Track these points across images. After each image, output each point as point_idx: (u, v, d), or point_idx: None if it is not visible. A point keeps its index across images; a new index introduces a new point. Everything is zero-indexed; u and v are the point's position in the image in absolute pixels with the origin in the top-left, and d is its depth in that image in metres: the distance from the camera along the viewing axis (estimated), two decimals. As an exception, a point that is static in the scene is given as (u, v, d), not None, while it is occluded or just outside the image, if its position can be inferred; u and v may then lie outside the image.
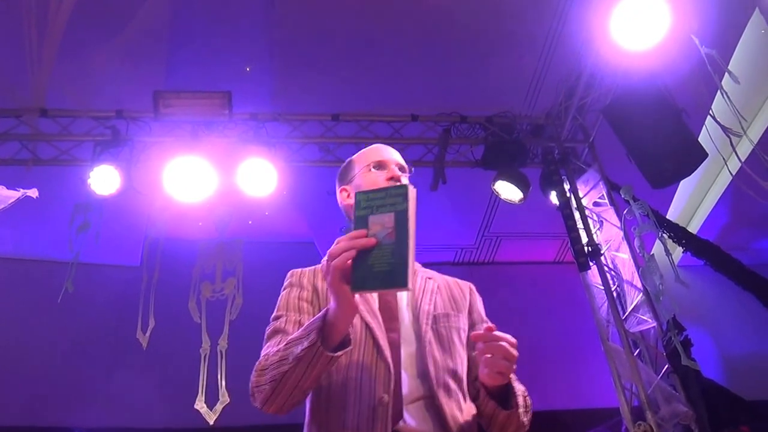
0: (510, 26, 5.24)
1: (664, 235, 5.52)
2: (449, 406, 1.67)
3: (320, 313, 1.55)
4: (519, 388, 1.73)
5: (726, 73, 4.60)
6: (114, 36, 5.10)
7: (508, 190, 5.33)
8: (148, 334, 5.09)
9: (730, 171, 4.91)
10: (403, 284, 1.40)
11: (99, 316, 6.14)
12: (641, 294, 5.14)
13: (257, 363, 1.68)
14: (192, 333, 5.19)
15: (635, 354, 5.14)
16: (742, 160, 4.81)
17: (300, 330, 1.59)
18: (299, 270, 1.94)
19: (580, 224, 5.37)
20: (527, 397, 1.75)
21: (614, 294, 5.37)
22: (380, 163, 1.95)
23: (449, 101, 5.37)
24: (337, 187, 2.05)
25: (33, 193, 4.15)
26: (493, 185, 5.30)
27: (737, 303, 6.05)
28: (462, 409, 1.71)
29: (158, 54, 5.25)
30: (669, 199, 6.50)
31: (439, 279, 1.97)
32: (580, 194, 5.51)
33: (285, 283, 1.93)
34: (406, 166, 1.99)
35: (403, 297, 1.84)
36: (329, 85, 5.33)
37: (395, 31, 5.12)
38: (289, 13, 5.07)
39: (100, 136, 5.16)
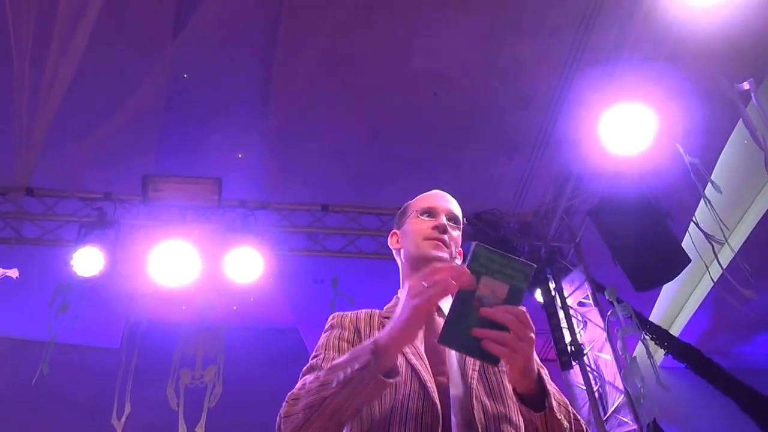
0: (501, 127, 5.37)
1: (647, 337, 5.53)
2: None
3: (370, 339, 1.45)
4: (553, 388, 1.60)
5: (709, 182, 4.74)
6: (107, 118, 5.13)
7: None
8: (123, 419, 4.94)
9: (711, 278, 4.97)
10: (494, 362, 1.35)
11: (74, 399, 5.93)
12: (622, 395, 5.11)
13: (290, 394, 1.55)
14: (168, 420, 5.03)
15: (616, 458, 5.07)
16: (724, 267, 4.89)
17: (345, 356, 1.49)
18: (341, 313, 1.85)
19: (564, 323, 5.38)
20: (568, 405, 1.63)
21: (596, 395, 5.33)
22: (430, 210, 1.91)
23: (438, 196, 5.41)
24: (389, 235, 2.02)
25: (13, 273, 4.09)
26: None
27: (717, 407, 6.02)
28: None
29: (150, 138, 5.28)
30: (652, 302, 6.54)
31: None
32: (565, 293, 5.54)
33: (326, 326, 1.83)
34: (460, 217, 1.92)
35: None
36: (319, 176, 5.39)
37: (386, 128, 5.22)
38: (282, 106, 5.15)
39: (86, 217, 5.13)
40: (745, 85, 4.41)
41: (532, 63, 5.29)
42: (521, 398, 1.53)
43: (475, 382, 1.62)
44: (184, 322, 5.45)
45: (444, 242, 1.82)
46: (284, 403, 1.53)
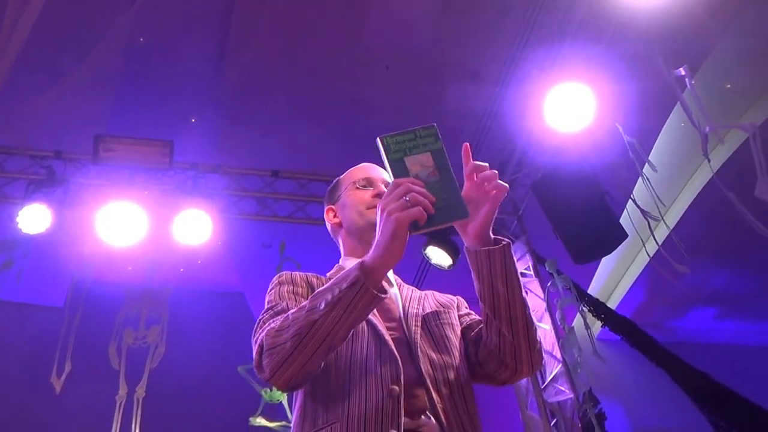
0: (448, 103, 5.48)
1: (585, 309, 5.73)
2: (446, 405, 1.57)
3: (354, 264, 1.44)
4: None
5: (647, 162, 4.93)
6: (61, 77, 5.10)
7: (438, 256, 5.49)
8: (63, 378, 4.95)
9: (648, 253, 5.17)
10: (464, 215, 1.37)
11: (14, 357, 5.92)
12: (560, 365, 5.30)
13: (268, 330, 1.51)
14: (109, 380, 5.07)
15: (552, 424, 5.27)
16: (660, 243, 5.10)
17: (328, 283, 1.48)
18: (288, 271, 1.81)
19: (505, 293, 5.54)
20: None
21: (535, 364, 5.50)
22: (367, 180, 1.92)
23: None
24: (324, 208, 2.01)
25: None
26: (424, 250, 5.45)
27: (650, 379, 6.26)
28: (461, 406, 1.61)
29: (103, 100, 5.28)
30: (591, 275, 6.77)
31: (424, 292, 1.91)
32: (507, 264, 5.69)
33: (273, 283, 1.76)
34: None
35: (398, 301, 1.78)
36: (270, 143, 5.44)
37: (337, 98, 5.30)
38: (236, 68, 5.19)
39: (35, 175, 5.10)
40: (681, 71, 4.60)
41: (482, 41, 5.42)
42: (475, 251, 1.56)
43: (418, 337, 1.67)
44: (130, 282, 5.48)
45: None
46: (262, 340, 1.50)
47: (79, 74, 5.12)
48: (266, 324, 1.56)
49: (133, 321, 5.19)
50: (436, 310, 1.79)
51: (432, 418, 1.54)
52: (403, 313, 1.73)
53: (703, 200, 5.79)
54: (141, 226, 5.01)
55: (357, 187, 1.91)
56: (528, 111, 5.18)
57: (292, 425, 1.64)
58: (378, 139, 1.43)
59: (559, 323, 5.41)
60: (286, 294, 1.70)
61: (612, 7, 4.92)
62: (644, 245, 5.24)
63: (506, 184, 1.51)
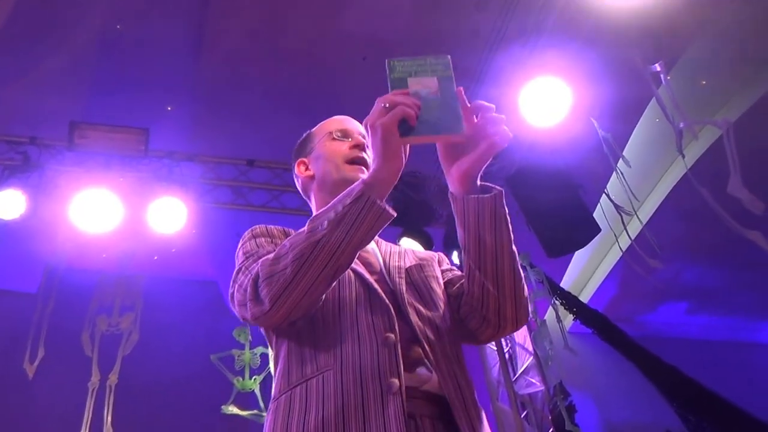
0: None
1: (557, 302, 5.79)
2: (439, 358, 1.48)
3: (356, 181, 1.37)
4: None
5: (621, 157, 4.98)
6: (36, 63, 5.07)
7: (412, 247, 5.52)
8: (36, 363, 4.94)
9: (620, 247, 5.23)
10: (459, 129, 1.32)
11: (-13, 342, 5.90)
12: (531, 357, 5.37)
13: (263, 261, 1.42)
14: (82, 366, 5.06)
15: (522, 416, 5.33)
16: (632, 238, 5.16)
17: (329, 205, 1.39)
18: (262, 225, 1.70)
19: (478, 286, 5.59)
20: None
21: (506, 355, 5.58)
22: (344, 131, 1.80)
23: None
24: (293, 163, 1.89)
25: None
26: (398, 241, 5.48)
27: (621, 372, 6.33)
28: (450, 358, 1.53)
29: (80, 86, 5.24)
30: (564, 269, 6.83)
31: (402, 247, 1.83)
32: (482, 257, 5.74)
33: (244, 238, 1.66)
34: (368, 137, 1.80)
35: (378, 255, 1.69)
36: (247, 132, 5.44)
37: (313, 89, 5.30)
38: (213, 57, 5.18)
39: (10, 160, 5.08)
40: (657, 67, 4.64)
41: (458, 34, 5.44)
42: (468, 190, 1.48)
43: (404, 288, 1.59)
44: (104, 269, 5.47)
45: (366, 164, 1.74)
46: (257, 272, 1.41)
47: (55, 60, 5.08)
48: (252, 266, 1.47)
49: (107, 308, 5.18)
50: (418, 263, 1.70)
51: (430, 371, 1.46)
52: (385, 266, 1.65)
53: (676, 196, 5.85)
54: (116, 213, 5.01)
55: (333, 138, 1.79)
56: (503, 105, 5.21)
57: (274, 380, 1.52)
58: (386, 61, 1.40)
59: (531, 316, 5.48)
60: (265, 243, 1.59)
61: (590, 2, 4.96)
62: (617, 240, 5.30)
63: (510, 134, 1.43)
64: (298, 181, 1.87)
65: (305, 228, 1.39)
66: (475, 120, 1.43)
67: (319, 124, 1.89)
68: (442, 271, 1.75)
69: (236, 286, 1.50)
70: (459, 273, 1.71)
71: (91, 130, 5.06)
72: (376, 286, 1.54)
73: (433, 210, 5.69)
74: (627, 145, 5.70)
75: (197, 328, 5.61)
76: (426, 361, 1.47)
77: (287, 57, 5.21)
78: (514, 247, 1.52)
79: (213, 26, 5.05)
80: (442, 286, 1.69)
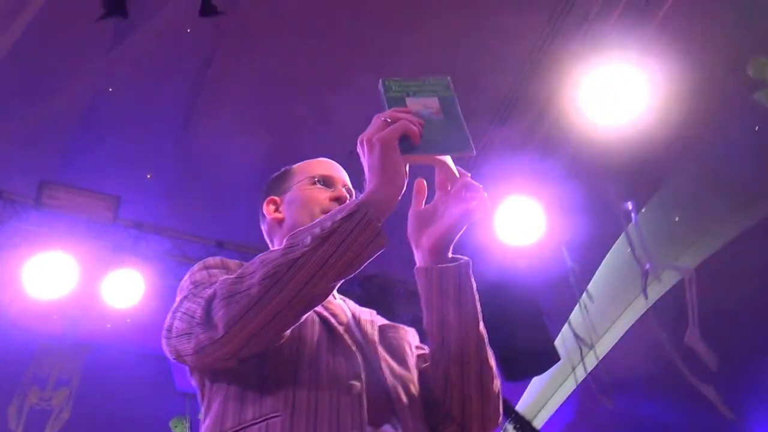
0: (405, 194, 5.51)
1: (510, 425, 5.67)
2: (408, 421, 1.28)
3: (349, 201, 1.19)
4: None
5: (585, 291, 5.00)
6: (17, 114, 5.02)
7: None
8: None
9: (576, 379, 5.19)
10: (468, 148, 1.19)
11: None
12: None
13: (223, 282, 1.17)
14: (4, 440, 4.75)
15: None
16: (589, 370, 5.13)
17: (314, 221, 1.18)
18: (219, 257, 1.45)
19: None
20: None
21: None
22: (328, 178, 1.60)
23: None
24: (262, 199, 1.68)
25: None
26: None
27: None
28: (420, 421, 1.33)
29: (58, 142, 5.18)
30: (521, 391, 6.72)
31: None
32: (440, 369, 5.65)
33: (194, 270, 1.39)
34: (354, 191, 1.64)
35: (345, 309, 1.47)
36: (221, 212, 5.38)
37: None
38: (199, 136, 5.18)
39: (-29, 212, 4.95)
40: (629, 205, 4.73)
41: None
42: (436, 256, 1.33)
43: (376, 339, 1.41)
44: (48, 334, 5.25)
45: None
46: (214, 291, 1.16)
47: (36, 115, 5.04)
48: (203, 291, 1.21)
49: (42, 380, 4.93)
50: (392, 325, 1.52)
51: (396, 430, 1.24)
52: (354, 319, 1.45)
53: (636, 332, 5.85)
54: (70, 278, 4.85)
55: (314, 183, 1.59)
56: (479, 220, 5.22)
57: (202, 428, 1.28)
58: (380, 81, 1.28)
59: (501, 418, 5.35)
60: (219, 275, 1.30)
61: (574, 129, 5.08)
62: (573, 371, 5.26)
63: (489, 204, 1.31)
64: (263, 220, 1.67)
65: (284, 242, 1.16)
66: (449, 189, 1.33)
67: (302, 162, 1.68)
68: (414, 347, 1.54)
69: (178, 314, 1.24)
70: (425, 352, 1.50)
71: (62, 191, 4.97)
72: (342, 331, 1.34)
73: (396, 314, 5.61)
74: (595, 273, 5.73)
75: (139, 404, 5.36)
76: (394, 418, 1.26)
77: (273, 143, 5.22)
78: (482, 328, 1.36)
79: (202, 106, 5.07)
80: (414, 358, 1.48)
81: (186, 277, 1.39)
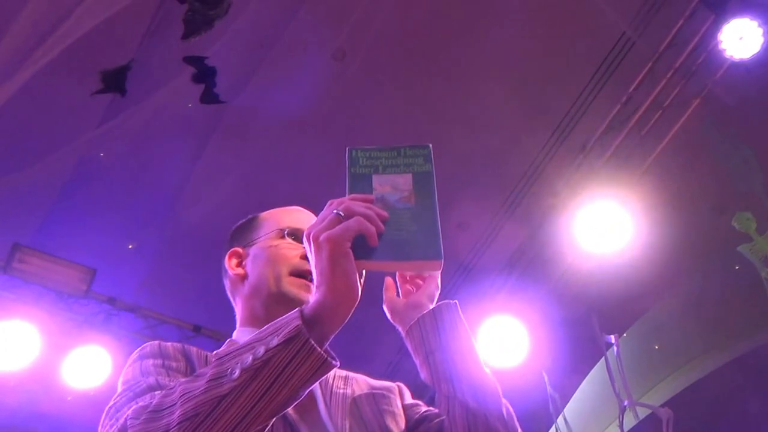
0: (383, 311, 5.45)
1: None
2: None
3: (293, 311, 0.96)
4: None
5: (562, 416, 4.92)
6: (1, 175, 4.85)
7: None
8: None
9: None
10: (436, 255, 0.99)
11: None
12: None
13: (136, 410, 0.93)
14: None
15: None
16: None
17: (246, 340, 0.96)
18: (155, 342, 1.24)
19: None
20: None
21: None
22: (298, 232, 1.37)
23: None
24: (225, 250, 1.47)
25: None
26: None
27: None
28: None
29: (38, 206, 5.00)
30: None
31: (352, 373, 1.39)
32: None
33: (130, 360, 1.19)
34: None
35: (317, 385, 1.21)
36: (199, 297, 5.22)
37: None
38: (186, 217, 5.06)
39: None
40: (612, 339, 4.72)
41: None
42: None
43: (347, 425, 1.22)
44: (1, 408, 4.93)
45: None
46: (123, 426, 0.93)
47: (20, 177, 4.88)
48: (123, 407, 1.00)
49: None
50: (371, 393, 1.31)
51: None
52: (322, 394, 1.25)
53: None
54: (31, 351, 4.59)
55: (283, 236, 1.40)
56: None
57: None
58: (347, 150, 1.11)
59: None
60: (152, 369, 1.12)
61: (563, 254, 5.13)
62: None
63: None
64: (225, 275, 1.46)
65: (207, 370, 0.93)
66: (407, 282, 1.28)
67: (271, 210, 1.50)
68: (407, 407, 1.34)
69: (105, 424, 1.04)
70: (433, 410, 1.30)
71: (35, 257, 4.79)
72: (299, 425, 1.14)
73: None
74: (573, 396, 5.67)
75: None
76: None
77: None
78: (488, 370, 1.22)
79: (192, 185, 4.98)
80: (402, 426, 1.28)
81: (124, 369, 1.19)
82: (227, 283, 1.46)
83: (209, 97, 4.47)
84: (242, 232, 1.48)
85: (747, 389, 5.82)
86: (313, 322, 0.95)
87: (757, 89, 4.79)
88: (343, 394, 1.27)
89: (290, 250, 1.37)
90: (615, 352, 4.75)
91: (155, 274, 5.26)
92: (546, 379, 4.81)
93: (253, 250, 1.41)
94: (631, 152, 4.96)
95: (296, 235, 1.38)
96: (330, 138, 5.14)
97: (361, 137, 5.19)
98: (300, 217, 1.47)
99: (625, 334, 5.47)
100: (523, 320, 5.05)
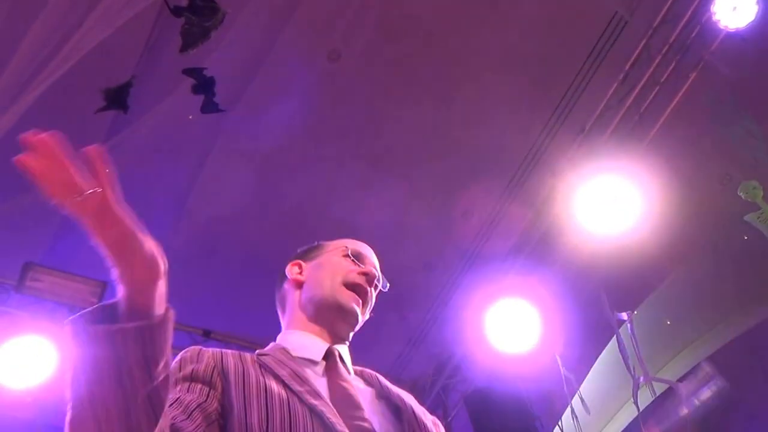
0: (399, 290, 5.46)
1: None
2: None
3: None
4: None
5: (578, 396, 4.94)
6: (8, 195, 4.89)
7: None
8: None
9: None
10: None
11: None
12: None
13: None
14: None
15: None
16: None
17: None
18: (195, 348, 1.31)
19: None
20: None
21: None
22: (360, 255, 1.55)
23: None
24: (288, 261, 1.61)
25: None
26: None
27: None
28: None
29: (48, 225, 5.03)
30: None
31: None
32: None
33: (174, 370, 1.24)
34: (384, 280, 1.59)
35: (362, 387, 1.33)
36: (210, 300, 5.26)
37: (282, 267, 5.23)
38: (193, 221, 5.09)
39: (-53, 290, 4.76)
40: (624, 315, 4.72)
41: (441, 237, 5.51)
42: None
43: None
44: (22, 423, 4.99)
45: (366, 299, 1.50)
46: None
47: (28, 196, 4.91)
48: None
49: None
50: (426, 418, 1.34)
51: None
52: (389, 400, 1.33)
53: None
54: (49, 365, 4.63)
55: (345, 255, 1.55)
56: (470, 322, 5.18)
57: None
58: None
59: None
60: (177, 392, 1.19)
61: (567, 234, 5.11)
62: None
63: None
64: (281, 282, 1.60)
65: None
66: None
67: (338, 239, 1.65)
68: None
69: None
70: None
71: (46, 274, 4.81)
72: (340, 428, 1.15)
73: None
74: (587, 377, 5.68)
75: None
76: None
77: (268, 233, 5.16)
78: None
79: (198, 194, 5.01)
80: None
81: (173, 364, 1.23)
82: (280, 293, 1.59)
83: (209, 107, 4.48)
84: (307, 252, 1.63)
85: (763, 360, 5.82)
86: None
87: (754, 58, 4.76)
88: (412, 407, 1.32)
89: (350, 264, 1.52)
90: (629, 329, 4.75)
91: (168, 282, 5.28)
92: (559, 360, 4.83)
93: (314, 263, 1.56)
94: (631, 130, 4.93)
95: (357, 256, 1.55)
96: (331, 140, 5.17)
97: (362, 134, 5.20)
98: (362, 245, 1.63)
99: (636, 311, 5.46)
100: (533, 302, 5.05)
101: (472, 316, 5.15)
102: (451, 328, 5.43)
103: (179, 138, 4.83)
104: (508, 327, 5.03)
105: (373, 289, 1.53)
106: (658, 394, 5.59)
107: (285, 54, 4.69)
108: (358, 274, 1.50)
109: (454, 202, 5.38)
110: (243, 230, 5.17)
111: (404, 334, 5.69)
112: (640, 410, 5.27)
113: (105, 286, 4.85)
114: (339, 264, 1.52)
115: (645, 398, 5.57)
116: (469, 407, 5.27)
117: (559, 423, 5.28)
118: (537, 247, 5.24)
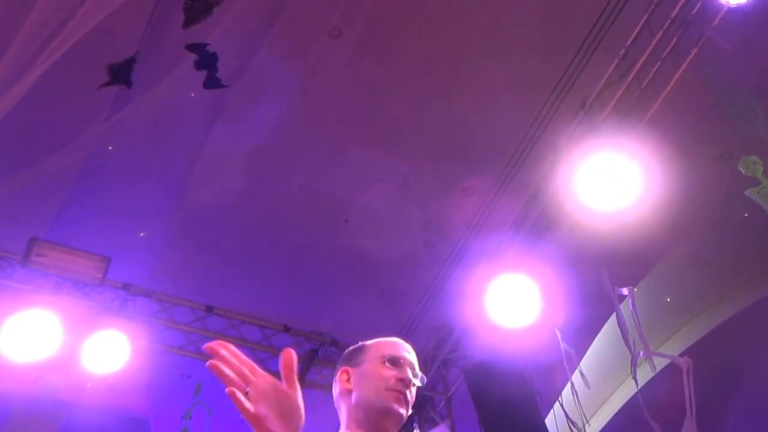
0: (399, 268, 5.50)
1: None
2: None
3: None
4: None
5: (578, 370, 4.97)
6: (13, 172, 4.92)
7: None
8: None
9: (567, 460, 5.10)
10: None
11: None
12: None
13: None
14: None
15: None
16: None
17: None
18: None
19: (420, 475, 5.39)
20: None
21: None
22: (395, 359, 1.81)
23: (323, 322, 5.47)
24: (337, 367, 1.89)
25: None
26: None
27: None
28: None
29: (52, 200, 5.08)
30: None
31: None
32: (427, 446, 5.57)
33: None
34: (419, 372, 1.85)
35: None
36: (211, 278, 5.30)
37: (289, 247, 5.26)
38: (195, 200, 5.12)
39: (-45, 265, 4.81)
40: (624, 291, 4.75)
41: (442, 216, 5.53)
42: None
43: None
44: (23, 396, 5.05)
45: (406, 397, 1.76)
46: None
47: (33, 172, 4.94)
48: None
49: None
50: None
51: None
52: None
53: (624, 415, 5.83)
54: (53, 340, 4.69)
55: (384, 363, 1.80)
56: (470, 297, 5.21)
57: None
58: None
59: None
60: None
61: (568, 210, 5.13)
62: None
63: None
64: (336, 386, 1.86)
65: None
66: None
67: (375, 341, 1.90)
68: None
69: None
70: None
71: (51, 249, 4.86)
72: None
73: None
74: (586, 353, 5.72)
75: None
76: None
77: (268, 211, 5.19)
78: None
79: (200, 174, 5.04)
80: None
81: None
82: (335, 393, 1.86)
83: (212, 83, 4.48)
84: (352, 355, 1.89)
85: (763, 336, 5.84)
86: None
87: (756, 33, 4.74)
88: None
89: (389, 371, 1.78)
90: (630, 304, 4.78)
91: (166, 259, 5.34)
92: (559, 335, 4.86)
93: (359, 370, 1.82)
94: (631, 106, 4.93)
95: (393, 361, 1.80)
96: (332, 119, 5.18)
97: (363, 114, 5.21)
98: (398, 347, 1.87)
99: (635, 288, 5.48)
100: (533, 277, 5.07)
101: (472, 291, 5.17)
102: (452, 303, 5.47)
103: (180, 117, 4.85)
104: (509, 302, 5.05)
105: (411, 388, 1.80)
106: (659, 370, 5.67)
107: (284, 37, 4.70)
108: (397, 380, 1.76)
109: (455, 179, 5.40)
110: (243, 208, 5.19)
111: (405, 310, 5.72)
112: (639, 386, 5.34)
113: (109, 261, 4.90)
114: (380, 374, 1.78)
115: (646, 373, 5.63)
116: (469, 381, 5.30)
117: (559, 398, 5.31)
118: (537, 223, 5.24)
